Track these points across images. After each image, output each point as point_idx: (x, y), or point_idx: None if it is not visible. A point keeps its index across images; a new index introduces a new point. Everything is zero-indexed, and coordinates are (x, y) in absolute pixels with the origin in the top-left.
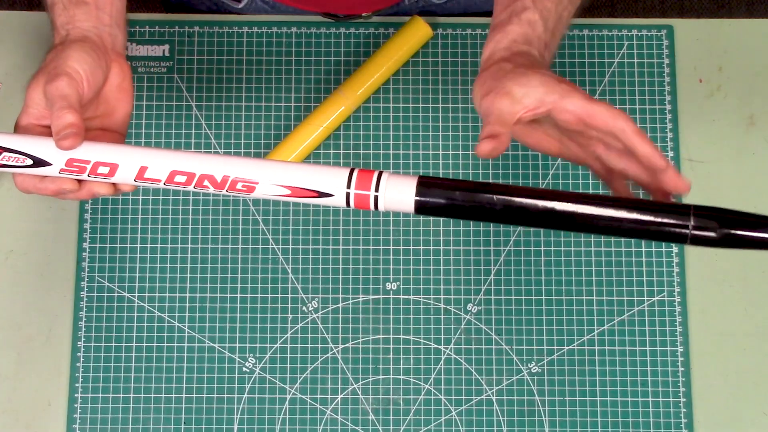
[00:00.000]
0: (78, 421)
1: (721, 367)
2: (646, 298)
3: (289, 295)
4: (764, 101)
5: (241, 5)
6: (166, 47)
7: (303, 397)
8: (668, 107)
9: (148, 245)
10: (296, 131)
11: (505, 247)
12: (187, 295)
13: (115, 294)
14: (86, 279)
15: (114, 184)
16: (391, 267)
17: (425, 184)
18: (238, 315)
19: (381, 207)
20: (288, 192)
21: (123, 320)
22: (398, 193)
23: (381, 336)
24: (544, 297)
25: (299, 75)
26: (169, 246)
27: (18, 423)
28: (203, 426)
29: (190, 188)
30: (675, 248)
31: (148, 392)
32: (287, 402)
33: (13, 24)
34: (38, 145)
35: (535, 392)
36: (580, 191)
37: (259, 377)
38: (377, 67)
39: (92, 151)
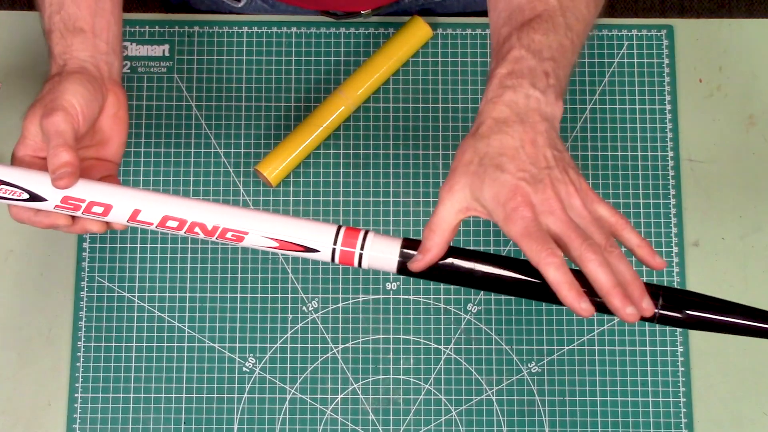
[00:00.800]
0: (78, 421)
1: (721, 367)
2: None
3: (289, 295)
4: (764, 101)
5: (240, 4)
6: (166, 47)
7: (303, 397)
8: (668, 107)
9: (148, 245)
10: (296, 131)
11: (506, 247)
12: (187, 295)
13: (115, 294)
14: (86, 279)
15: (107, 223)
16: None
17: (408, 247)
18: (238, 315)
19: (365, 265)
20: (276, 244)
21: (123, 320)
22: (382, 253)
23: (381, 336)
24: None
25: (299, 75)
26: (169, 246)
27: (18, 423)
28: (203, 426)
29: (181, 233)
30: (675, 248)
31: (148, 392)
32: (287, 402)
33: (14, 24)
34: (35, 181)
35: (535, 392)
36: None
37: (259, 377)
38: (377, 67)
39: (88, 190)
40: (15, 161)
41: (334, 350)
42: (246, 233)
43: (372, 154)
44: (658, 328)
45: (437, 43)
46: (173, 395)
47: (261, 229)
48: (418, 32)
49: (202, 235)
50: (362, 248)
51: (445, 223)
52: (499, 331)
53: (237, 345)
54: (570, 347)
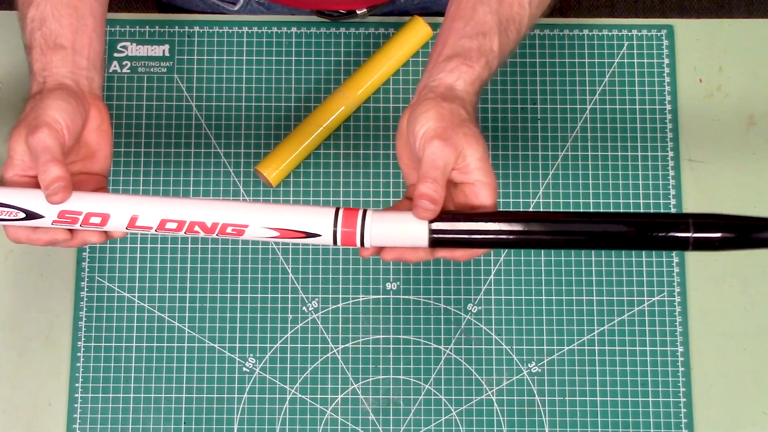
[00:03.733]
0: (78, 421)
1: (721, 367)
2: (646, 298)
3: (289, 295)
4: (764, 101)
5: (236, 7)
6: (166, 47)
7: (303, 397)
8: (668, 107)
9: (148, 245)
10: (296, 131)
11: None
12: (187, 295)
13: (115, 294)
14: (86, 279)
15: (106, 232)
16: (391, 267)
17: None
18: (238, 315)
19: (367, 243)
20: (277, 234)
21: (123, 320)
22: (383, 230)
23: (381, 336)
24: (544, 297)
25: (299, 75)
26: (169, 246)
27: (18, 423)
28: (203, 426)
29: (181, 234)
30: None
31: (148, 392)
32: (287, 402)
33: (14, 24)
34: (30, 198)
35: (535, 392)
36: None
37: (259, 377)
38: (377, 67)
39: (84, 202)
40: (4, 184)
41: (334, 350)
42: (246, 226)
43: (372, 154)
44: (658, 328)
45: None
46: (173, 395)
47: (260, 221)
48: (418, 32)
49: (202, 234)
50: (362, 227)
51: (445, 171)
52: (499, 331)
53: (237, 345)
54: (570, 347)
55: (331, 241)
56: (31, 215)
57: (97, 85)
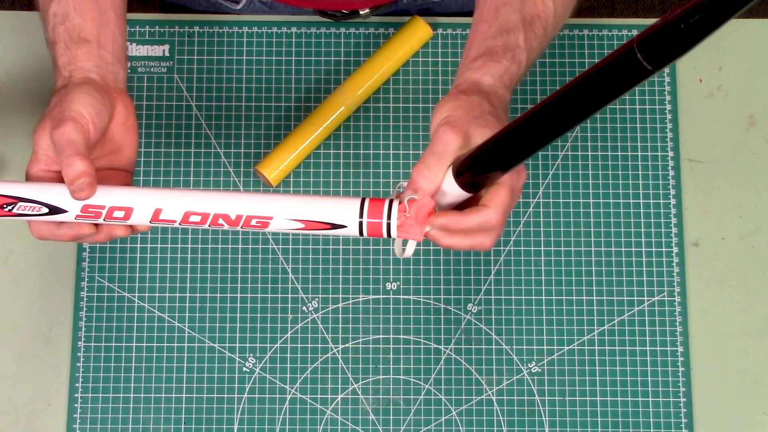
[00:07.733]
0: (78, 421)
1: (721, 367)
2: (646, 298)
3: (289, 295)
4: (764, 101)
5: (239, 6)
6: (166, 47)
7: (303, 397)
8: (668, 107)
9: (148, 245)
10: (296, 131)
11: (505, 247)
12: (187, 295)
13: (115, 294)
14: (86, 279)
15: (131, 226)
16: (391, 267)
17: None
18: (238, 315)
19: (394, 234)
20: (302, 225)
21: (123, 320)
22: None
23: (381, 336)
24: (544, 297)
25: (299, 75)
26: (169, 246)
27: (18, 423)
28: (203, 426)
29: (205, 227)
30: (675, 248)
31: (148, 392)
32: (287, 402)
33: (14, 24)
34: (53, 193)
35: (535, 392)
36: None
37: (259, 377)
38: (377, 67)
39: (107, 196)
40: (29, 179)
41: (334, 350)
42: (270, 218)
43: (372, 154)
44: (658, 328)
45: (437, 43)
46: (173, 395)
47: (285, 212)
48: (418, 32)
49: (226, 226)
50: (389, 218)
51: (445, 156)
52: (499, 331)
53: (237, 345)
54: (570, 347)
55: (356, 233)
56: (54, 210)
57: (122, 79)
